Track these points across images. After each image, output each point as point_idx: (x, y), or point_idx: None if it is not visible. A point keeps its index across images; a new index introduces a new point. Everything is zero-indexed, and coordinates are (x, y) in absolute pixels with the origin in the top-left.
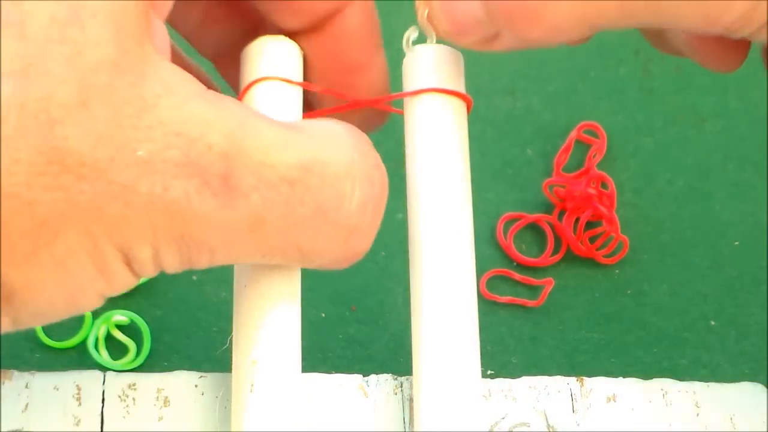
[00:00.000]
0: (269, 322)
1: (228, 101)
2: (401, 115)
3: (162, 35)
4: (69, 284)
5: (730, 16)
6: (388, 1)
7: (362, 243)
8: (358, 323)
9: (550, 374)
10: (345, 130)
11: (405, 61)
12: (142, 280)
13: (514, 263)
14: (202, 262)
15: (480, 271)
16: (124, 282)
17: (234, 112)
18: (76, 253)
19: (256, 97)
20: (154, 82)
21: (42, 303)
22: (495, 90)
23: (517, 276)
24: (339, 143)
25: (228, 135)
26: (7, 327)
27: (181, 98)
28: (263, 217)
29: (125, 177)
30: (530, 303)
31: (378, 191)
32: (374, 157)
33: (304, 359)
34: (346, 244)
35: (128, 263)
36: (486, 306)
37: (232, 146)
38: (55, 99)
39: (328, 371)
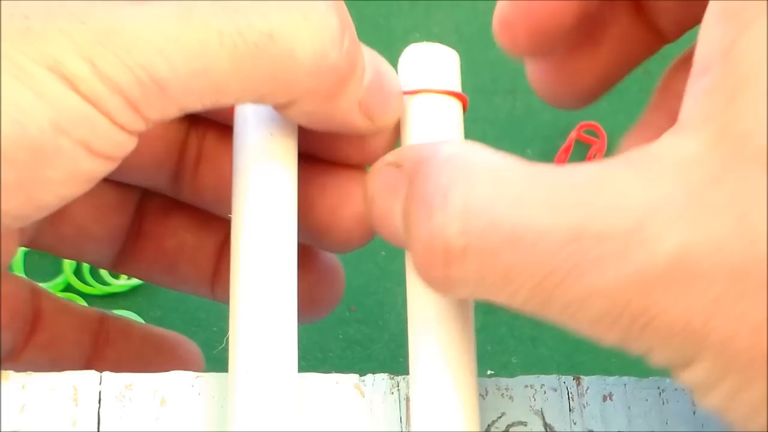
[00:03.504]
0: (265, 322)
1: None
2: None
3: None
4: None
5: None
6: (388, 1)
7: (330, 20)
8: (357, 323)
9: (549, 374)
10: None
11: (400, 60)
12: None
13: None
14: (163, 75)
15: None
16: (71, 106)
17: None
18: None
19: None
20: None
21: None
22: (495, 90)
23: None
24: None
25: None
26: None
27: None
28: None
29: None
30: None
31: None
32: None
33: (303, 359)
34: (308, 21)
35: (71, 84)
36: (486, 306)
37: None
38: None
39: (327, 371)
